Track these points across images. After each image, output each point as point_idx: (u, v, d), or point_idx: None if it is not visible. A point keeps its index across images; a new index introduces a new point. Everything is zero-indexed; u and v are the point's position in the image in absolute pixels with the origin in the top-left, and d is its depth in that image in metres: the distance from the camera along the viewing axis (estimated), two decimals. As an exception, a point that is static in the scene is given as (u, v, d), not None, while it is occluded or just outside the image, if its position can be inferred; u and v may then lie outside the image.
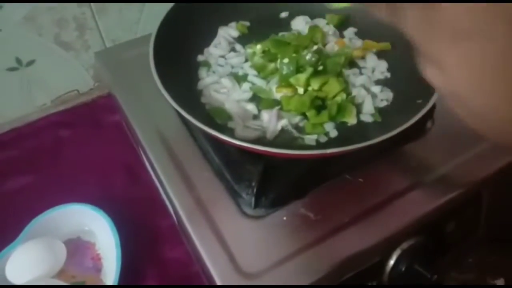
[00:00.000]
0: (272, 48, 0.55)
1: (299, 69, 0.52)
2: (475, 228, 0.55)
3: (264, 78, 0.55)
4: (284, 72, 0.51)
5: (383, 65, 0.56)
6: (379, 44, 0.57)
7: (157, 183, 0.54)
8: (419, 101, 0.45)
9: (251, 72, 0.56)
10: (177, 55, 0.55)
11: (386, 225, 0.46)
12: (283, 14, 0.64)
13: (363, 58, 0.57)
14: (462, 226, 0.53)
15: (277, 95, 0.53)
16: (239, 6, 0.61)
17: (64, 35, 0.67)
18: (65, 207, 0.53)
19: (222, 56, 0.59)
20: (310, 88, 0.52)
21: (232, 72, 0.57)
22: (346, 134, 0.50)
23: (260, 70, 0.55)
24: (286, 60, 0.52)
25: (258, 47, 0.56)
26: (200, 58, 0.58)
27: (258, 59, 0.55)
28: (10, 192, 0.60)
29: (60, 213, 0.53)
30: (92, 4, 0.66)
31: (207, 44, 0.60)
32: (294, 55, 0.53)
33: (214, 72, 0.57)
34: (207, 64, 0.58)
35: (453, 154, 0.52)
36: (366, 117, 0.52)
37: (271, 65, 0.55)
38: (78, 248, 0.54)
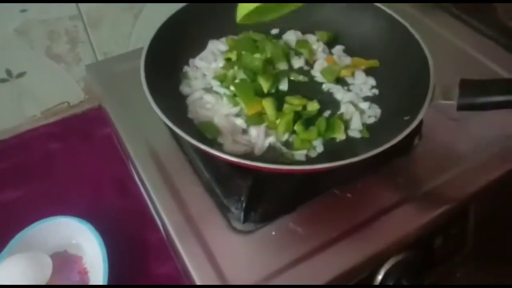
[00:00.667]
0: (239, 49, 0.56)
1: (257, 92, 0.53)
2: (463, 243, 0.56)
3: (227, 87, 0.55)
4: (240, 91, 0.53)
5: (371, 82, 0.57)
6: (367, 61, 0.58)
7: (146, 197, 0.54)
8: (407, 118, 0.46)
9: (215, 83, 0.56)
10: (168, 69, 0.56)
11: (374, 241, 0.46)
12: (274, 31, 0.64)
13: (352, 75, 0.58)
14: (450, 241, 0.53)
15: None
16: (231, 21, 0.62)
17: (56, 47, 0.67)
18: (52, 220, 0.53)
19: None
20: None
21: (206, 86, 0.57)
22: (334, 149, 0.51)
23: (222, 80, 0.55)
24: (242, 76, 0.53)
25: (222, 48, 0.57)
26: (185, 69, 0.59)
27: (218, 69, 0.56)
28: (-1, 204, 0.60)
29: (46, 226, 0.52)
30: (84, 17, 0.66)
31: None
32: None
33: (190, 86, 0.57)
34: (186, 77, 0.58)
35: (441, 170, 0.52)
36: (354, 133, 0.52)
37: (230, 72, 0.55)
38: (65, 262, 0.53)
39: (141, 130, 0.57)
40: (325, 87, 0.57)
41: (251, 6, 0.48)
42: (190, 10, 0.58)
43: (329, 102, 0.55)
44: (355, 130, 0.52)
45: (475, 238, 0.56)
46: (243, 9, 0.50)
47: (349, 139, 0.52)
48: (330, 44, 0.62)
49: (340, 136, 0.51)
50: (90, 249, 0.52)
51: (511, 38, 0.69)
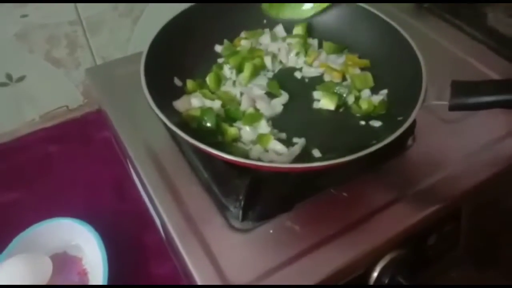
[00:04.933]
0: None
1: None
2: (456, 242, 0.57)
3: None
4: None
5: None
6: (360, 61, 0.59)
7: (146, 198, 0.55)
8: (400, 118, 0.47)
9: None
10: (166, 73, 0.56)
11: (369, 238, 0.47)
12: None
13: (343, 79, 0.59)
14: (443, 239, 0.54)
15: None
16: (230, 25, 0.63)
17: (55, 52, 0.68)
18: (52, 221, 0.53)
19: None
20: None
21: None
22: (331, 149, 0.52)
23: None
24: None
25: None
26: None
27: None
28: (-2, 206, 0.60)
29: (46, 228, 0.53)
30: (83, 22, 0.67)
31: (198, 62, 0.61)
32: None
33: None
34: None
35: (434, 170, 0.53)
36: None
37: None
38: (65, 262, 0.54)
39: (140, 132, 0.57)
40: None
41: None
42: (189, 15, 0.59)
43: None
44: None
45: (468, 237, 0.57)
46: None
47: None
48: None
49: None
50: (89, 250, 0.53)
51: (501, 42, 0.70)
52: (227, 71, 0.58)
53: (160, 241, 0.55)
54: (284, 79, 0.59)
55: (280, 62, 0.61)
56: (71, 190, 0.62)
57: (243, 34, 0.63)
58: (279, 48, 0.61)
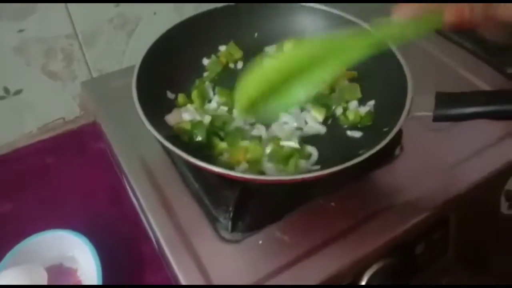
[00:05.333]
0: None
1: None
2: (445, 251, 0.57)
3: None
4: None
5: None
6: (348, 73, 0.60)
7: (139, 209, 0.56)
8: (385, 129, 0.48)
9: None
10: (159, 86, 0.58)
11: (357, 248, 0.48)
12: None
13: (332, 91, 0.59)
14: (432, 248, 0.55)
15: None
16: (222, 40, 0.64)
17: (52, 65, 0.69)
18: (47, 233, 0.54)
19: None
20: None
21: None
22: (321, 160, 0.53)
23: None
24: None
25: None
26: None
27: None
28: (-4, 217, 0.61)
29: (42, 240, 0.54)
30: (79, 36, 0.69)
31: (189, 76, 0.62)
32: None
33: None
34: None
35: (421, 178, 0.54)
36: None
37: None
38: (60, 274, 0.54)
39: (133, 144, 0.58)
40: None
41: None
42: (182, 28, 0.60)
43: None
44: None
45: (457, 245, 0.58)
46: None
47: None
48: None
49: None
50: (85, 262, 0.54)
51: (490, 51, 0.71)
52: (208, 88, 0.60)
53: (155, 251, 0.56)
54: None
55: None
56: (67, 201, 0.63)
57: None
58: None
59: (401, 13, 0.39)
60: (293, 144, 0.52)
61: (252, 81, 0.42)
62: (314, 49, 0.41)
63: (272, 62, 0.43)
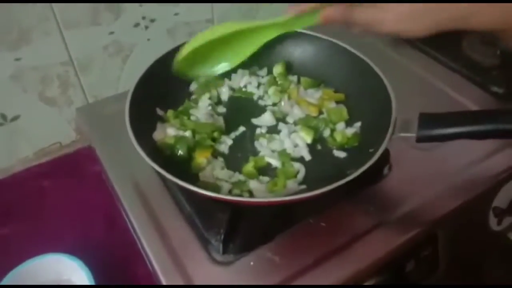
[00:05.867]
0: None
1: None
2: (435, 267, 0.58)
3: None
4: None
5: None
6: (335, 95, 0.62)
7: (133, 232, 0.56)
8: (371, 150, 0.49)
9: None
10: (153, 111, 0.59)
11: (347, 267, 0.49)
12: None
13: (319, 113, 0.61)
14: (422, 265, 0.56)
15: None
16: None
17: (48, 91, 0.71)
18: (43, 257, 0.54)
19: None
20: None
21: None
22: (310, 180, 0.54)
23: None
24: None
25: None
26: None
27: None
28: (-8, 242, 0.62)
29: (38, 263, 0.54)
30: (75, 62, 0.71)
31: (181, 96, 0.64)
32: None
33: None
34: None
35: (410, 197, 0.55)
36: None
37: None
38: (56, 298, 0.55)
39: (127, 168, 0.59)
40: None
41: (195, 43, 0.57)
42: (175, 55, 0.62)
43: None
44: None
45: (447, 262, 0.59)
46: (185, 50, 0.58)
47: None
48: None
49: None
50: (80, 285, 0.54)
51: (475, 70, 0.73)
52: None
53: (150, 274, 0.57)
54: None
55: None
56: (63, 225, 0.64)
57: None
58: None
59: (291, 11, 0.55)
60: (276, 162, 0.54)
61: (192, 43, 0.59)
62: (239, 27, 0.59)
63: (208, 31, 0.59)
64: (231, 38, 0.60)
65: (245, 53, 0.64)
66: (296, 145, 0.57)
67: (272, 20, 0.58)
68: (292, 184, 0.52)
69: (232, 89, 0.66)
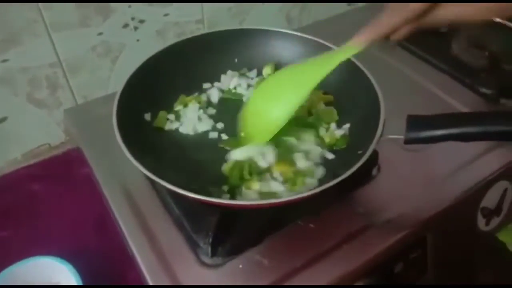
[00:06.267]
0: None
1: None
2: (423, 270, 0.58)
3: None
4: None
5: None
6: (324, 96, 0.62)
7: (122, 235, 0.56)
8: (360, 152, 0.49)
9: None
10: (142, 112, 0.59)
11: (336, 269, 0.49)
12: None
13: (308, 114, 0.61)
14: (410, 268, 0.56)
15: None
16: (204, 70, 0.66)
17: (37, 93, 0.70)
18: (32, 260, 0.54)
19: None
20: None
21: None
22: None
23: None
24: None
25: None
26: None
27: None
28: (-20, 246, 0.61)
29: (27, 266, 0.54)
30: (63, 64, 0.70)
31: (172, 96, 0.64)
32: None
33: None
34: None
35: (398, 198, 0.56)
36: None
37: None
38: (45, 302, 0.54)
39: (115, 170, 0.59)
40: None
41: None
42: (165, 55, 0.62)
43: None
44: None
45: (436, 264, 0.59)
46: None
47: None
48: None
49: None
50: (69, 288, 0.54)
51: (464, 72, 0.73)
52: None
53: (140, 277, 0.57)
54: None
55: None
56: (53, 228, 0.63)
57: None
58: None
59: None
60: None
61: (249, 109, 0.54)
62: (294, 70, 0.54)
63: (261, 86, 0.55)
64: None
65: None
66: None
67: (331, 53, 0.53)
68: (277, 186, 0.52)
69: (221, 90, 0.66)
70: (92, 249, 0.60)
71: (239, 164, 0.53)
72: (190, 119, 0.60)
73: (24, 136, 0.73)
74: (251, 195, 0.51)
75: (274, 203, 0.47)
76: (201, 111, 0.62)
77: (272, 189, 0.51)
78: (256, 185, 0.51)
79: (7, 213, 0.66)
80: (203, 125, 0.61)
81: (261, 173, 0.53)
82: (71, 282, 0.52)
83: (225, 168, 0.54)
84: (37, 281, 0.54)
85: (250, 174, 0.52)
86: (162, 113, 0.61)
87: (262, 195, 0.51)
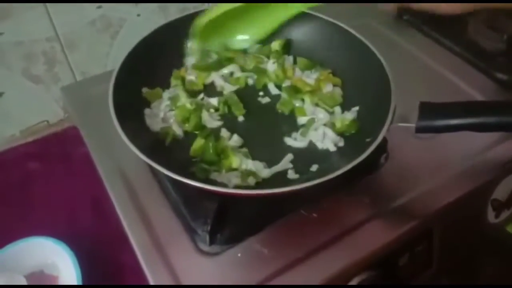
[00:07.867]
0: None
1: None
2: (429, 263, 0.56)
3: None
4: None
5: (338, 91, 0.59)
6: (332, 78, 0.59)
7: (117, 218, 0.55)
8: (368, 140, 0.47)
9: None
10: (140, 92, 0.57)
11: (338, 260, 0.47)
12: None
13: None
14: (415, 260, 0.54)
15: None
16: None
17: (33, 68, 0.68)
18: (28, 241, 0.53)
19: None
20: None
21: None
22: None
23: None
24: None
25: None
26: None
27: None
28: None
29: (22, 247, 0.53)
30: (61, 38, 0.68)
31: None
32: None
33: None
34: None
35: (406, 188, 0.53)
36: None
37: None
38: (41, 281, 0.54)
39: (112, 151, 0.57)
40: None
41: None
42: (166, 31, 0.60)
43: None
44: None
45: (441, 258, 0.57)
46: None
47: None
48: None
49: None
50: (65, 269, 0.53)
51: (480, 55, 0.70)
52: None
53: (136, 259, 0.56)
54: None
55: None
56: (49, 207, 0.62)
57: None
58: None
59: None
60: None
61: (212, 12, 0.56)
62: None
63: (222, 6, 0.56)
64: (252, 12, 0.58)
65: (265, 29, 0.61)
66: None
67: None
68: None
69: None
70: (88, 230, 0.59)
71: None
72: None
73: (21, 113, 0.72)
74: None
75: (274, 193, 0.44)
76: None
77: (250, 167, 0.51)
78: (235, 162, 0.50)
79: (3, 191, 0.65)
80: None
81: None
82: (66, 262, 0.52)
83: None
84: (33, 261, 0.54)
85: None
86: (157, 90, 0.59)
87: (243, 174, 0.49)
